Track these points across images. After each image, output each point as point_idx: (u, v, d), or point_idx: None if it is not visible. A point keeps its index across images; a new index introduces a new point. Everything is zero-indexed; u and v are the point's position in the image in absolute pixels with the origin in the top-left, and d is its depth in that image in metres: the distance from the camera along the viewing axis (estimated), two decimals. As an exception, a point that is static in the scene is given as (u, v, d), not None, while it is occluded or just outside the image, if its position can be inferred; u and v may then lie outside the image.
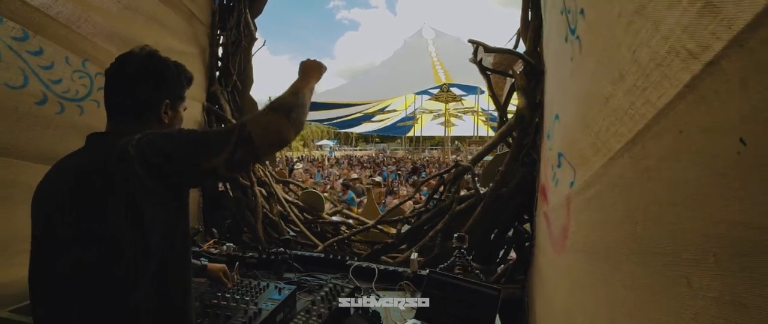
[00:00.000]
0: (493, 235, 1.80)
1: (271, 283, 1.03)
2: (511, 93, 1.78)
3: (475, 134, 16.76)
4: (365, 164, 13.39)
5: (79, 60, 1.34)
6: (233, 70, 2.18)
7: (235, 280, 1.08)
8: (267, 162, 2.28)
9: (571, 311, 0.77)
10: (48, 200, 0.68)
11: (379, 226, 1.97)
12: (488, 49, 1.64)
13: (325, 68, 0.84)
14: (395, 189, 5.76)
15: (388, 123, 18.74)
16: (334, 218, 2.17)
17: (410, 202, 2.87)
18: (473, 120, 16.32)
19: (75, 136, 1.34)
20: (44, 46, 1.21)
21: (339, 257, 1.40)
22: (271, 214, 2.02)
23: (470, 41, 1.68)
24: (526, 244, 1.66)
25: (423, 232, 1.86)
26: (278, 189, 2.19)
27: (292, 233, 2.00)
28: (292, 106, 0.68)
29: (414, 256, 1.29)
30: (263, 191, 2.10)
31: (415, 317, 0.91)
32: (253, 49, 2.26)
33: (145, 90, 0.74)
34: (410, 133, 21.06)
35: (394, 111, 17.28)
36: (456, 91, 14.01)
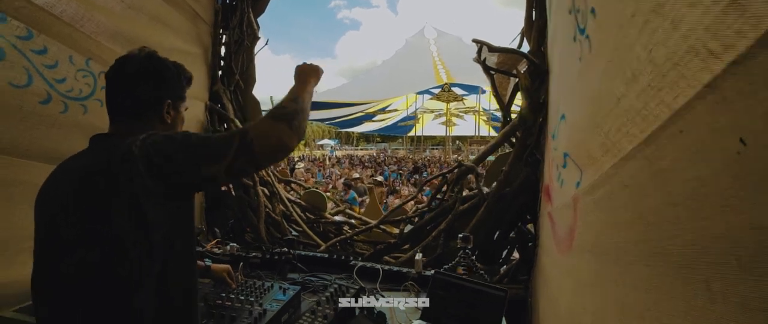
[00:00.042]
0: (496, 236, 1.80)
1: (276, 283, 1.03)
2: (515, 93, 1.77)
3: (477, 134, 16.75)
4: (366, 164, 13.38)
5: (82, 59, 1.34)
6: (236, 69, 2.18)
7: (239, 280, 1.08)
8: (269, 161, 2.28)
9: (577, 311, 0.77)
10: (52, 201, 0.68)
11: (381, 226, 1.97)
12: (492, 49, 1.64)
13: (322, 71, 0.83)
14: (397, 188, 5.75)
15: (390, 122, 18.75)
16: (337, 218, 2.17)
17: (412, 202, 2.87)
18: (474, 120, 16.30)
19: (78, 135, 1.35)
20: (48, 45, 1.21)
21: (342, 257, 1.39)
22: (273, 214, 2.02)
23: (474, 41, 1.67)
24: (530, 244, 1.65)
25: (426, 232, 1.86)
26: (281, 189, 2.18)
27: (294, 233, 2.00)
28: (293, 113, 0.68)
29: (418, 256, 1.29)
30: (266, 191, 2.10)
31: (421, 318, 0.90)
32: (256, 49, 2.26)
33: (146, 91, 0.74)
34: (411, 133, 21.05)
35: (396, 110, 17.28)
36: (457, 90, 14.00)
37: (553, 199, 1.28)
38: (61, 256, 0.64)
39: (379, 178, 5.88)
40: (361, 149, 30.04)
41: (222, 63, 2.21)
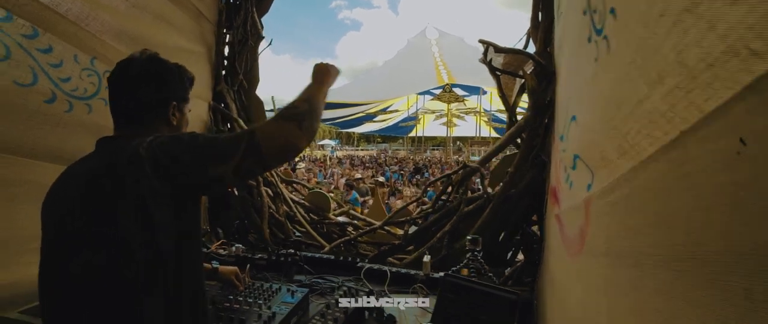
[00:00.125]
0: (501, 237, 1.79)
1: (283, 285, 1.02)
2: (521, 94, 1.76)
3: (477, 135, 16.75)
4: (367, 164, 13.38)
5: (87, 58, 1.33)
6: (239, 69, 2.18)
7: (247, 282, 1.07)
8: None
9: (591, 315, 0.76)
10: (59, 204, 0.67)
11: (385, 227, 1.96)
12: (498, 50, 1.63)
13: (339, 72, 0.83)
14: (399, 189, 5.75)
15: (390, 123, 18.76)
16: (341, 219, 2.16)
17: (415, 203, 2.86)
18: (475, 120, 16.30)
19: (83, 134, 1.34)
20: (54, 43, 1.20)
21: (349, 259, 1.38)
22: (277, 215, 2.01)
23: (481, 41, 1.66)
24: (535, 246, 1.64)
25: (430, 233, 1.85)
26: (284, 189, 2.18)
27: (297, 234, 2.00)
28: (303, 114, 0.66)
29: (426, 258, 1.28)
30: (269, 191, 2.09)
31: (431, 321, 0.89)
32: (259, 48, 2.25)
33: (150, 93, 0.74)
34: (412, 134, 21.06)
35: (397, 111, 17.29)
36: (458, 91, 14.01)
37: (561, 201, 1.27)
38: (69, 257, 0.63)
39: (381, 179, 5.87)
40: (362, 150, 30.03)
41: (225, 62, 2.20)
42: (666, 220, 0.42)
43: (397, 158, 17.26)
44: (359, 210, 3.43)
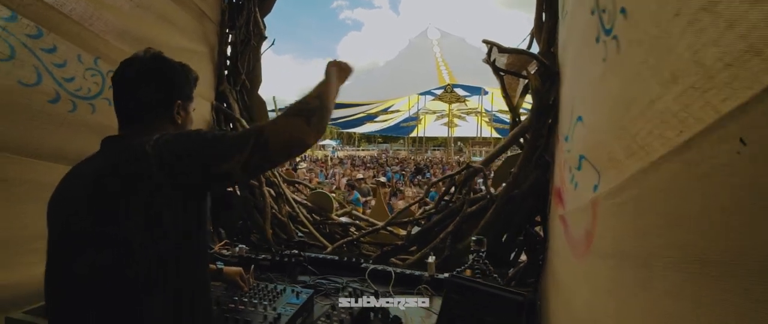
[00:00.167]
0: (504, 238, 1.78)
1: (288, 286, 1.02)
2: (525, 94, 1.76)
3: (479, 135, 16.74)
4: (368, 164, 13.38)
5: (91, 58, 1.33)
6: (242, 68, 2.18)
7: (251, 283, 1.07)
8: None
9: (599, 316, 0.75)
10: (64, 205, 0.67)
11: (388, 228, 1.96)
12: (502, 50, 1.62)
13: (352, 70, 0.82)
14: (401, 189, 5.74)
15: (392, 123, 18.77)
16: (343, 219, 2.15)
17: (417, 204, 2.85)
18: (476, 121, 16.29)
19: (87, 134, 1.34)
20: (58, 43, 1.20)
21: (353, 260, 1.38)
22: (280, 215, 2.01)
23: (485, 42, 1.66)
24: (538, 247, 1.64)
25: (433, 233, 1.84)
26: (286, 189, 2.17)
27: (300, 234, 1.99)
28: (313, 110, 0.66)
29: (431, 259, 1.27)
30: (272, 192, 2.09)
31: (437, 323, 0.89)
32: (262, 48, 2.25)
33: (154, 92, 0.73)
34: (413, 134, 21.06)
35: (398, 111, 17.29)
36: (460, 91, 14.01)
37: (566, 202, 1.26)
38: (74, 257, 0.63)
39: (382, 179, 5.87)
40: (363, 150, 30.03)
41: (228, 62, 2.20)
42: (679, 221, 0.42)
43: (398, 158, 17.25)
44: (361, 210, 3.43)
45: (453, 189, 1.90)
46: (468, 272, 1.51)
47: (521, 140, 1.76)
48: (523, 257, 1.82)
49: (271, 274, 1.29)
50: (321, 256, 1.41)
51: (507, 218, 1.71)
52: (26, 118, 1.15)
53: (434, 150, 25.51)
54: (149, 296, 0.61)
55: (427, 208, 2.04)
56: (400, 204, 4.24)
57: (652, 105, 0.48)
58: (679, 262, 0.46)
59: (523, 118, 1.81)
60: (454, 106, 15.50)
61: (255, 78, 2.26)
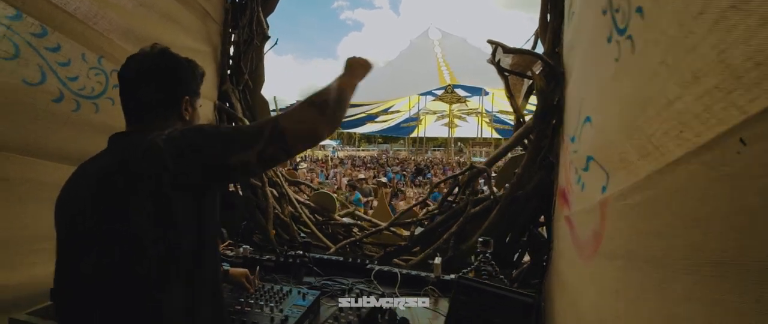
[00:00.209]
0: (507, 239, 1.78)
1: (294, 288, 1.01)
2: (529, 95, 1.76)
3: (479, 136, 16.74)
4: (368, 165, 13.37)
5: (95, 57, 1.33)
6: (245, 68, 2.17)
7: (256, 285, 1.06)
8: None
9: (609, 318, 0.75)
10: (71, 204, 0.66)
11: (391, 228, 1.95)
12: (507, 50, 1.62)
13: (372, 66, 0.82)
14: (402, 189, 5.73)
15: (392, 123, 18.76)
16: (346, 220, 2.15)
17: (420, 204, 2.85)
18: (477, 121, 16.30)
19: (90, 133, 1.33)
20: (62, 42, 1.19)
21: (358, 261, 1.37)
22: (282, 215, 2.01)
23: (489, 42, 1.65)
24: (542, 248, 1.63)
25: (437, 234, 1.84)
26: (289, 190, 2.17)
27: (302, 235, 1.99)
28: (329, 102, 0.66)
29: (437, 260, 1.27)
30: (275, 192, 2.08)
31: (445, 324, 0.89)
32: (265, 48, 2.25)
33: (162, 88, 0.72)
34: (413, 134, 21.05)
35: (398, 111, 17.29)
36: (460, 92, 14.00)
37: (571, 203, 1.26)
38: (82, 256, 0.62)
39: (383, 180, 5.86)
40: (363, 150, 30.01)
41: (230, 62, 2.20)
42: (701, 224, 0.41)
43: (398, 159, 17.25)
44: (362, 211, 3.42)
45: (456, 190, 1.90)
46: (472, 273, 1.50)
47: (525, 141, 1.75)
48: (526, 258, 1.81)
49: (275, 275, 1.28)
50: (325, 257, 1.40)
51: (511, 219, 1.70)
52: (30, 118, 1.14)
53: (434, 150, 25.50)
54: (163, 292, 0.60)
55: (430, 208, 2.04)
56: (402, 205, 4.23)
57: (669, 105, 0.47)
58: (700, 265, 0.45)
59: (526, 118, 1.80)
60: (455, 106, 15.51)
61: (258, 78, 2.26)
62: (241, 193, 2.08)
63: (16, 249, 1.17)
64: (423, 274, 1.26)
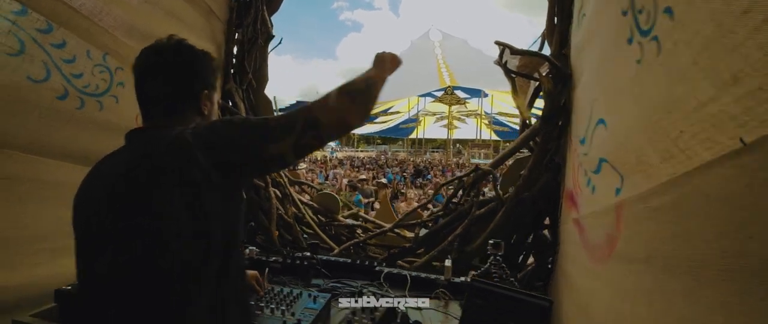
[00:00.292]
0: (512, 241, 1.77)
1: (303, 290, 0.99)
2: (535, 96, 1.75)
3: (478, 137, 16.77)
4: (367, 165, 13.35)
5: (100, 54, 1.31)
6: (248, 67, 2.15)
7: (265, 287, 1.05)
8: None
9: (621, 322, 0.74)
10: (90, 202, 0.64)
11: (395, 230, 1.94)
12: (514, 52, 1.61)
13: (401, 62, 0.81)
14: (402, 191, 5.72)
15: (391, 124, 18.76)
16: (350, 221, 2.13)
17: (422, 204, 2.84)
18: (476, 123, 16.33)
19: (93, 131, 1.31)
20: (67, 38, 1.18)
21: (366, 263, 1.36)
22: (285, 216, 1.99)
23: (497, 43, 1.65)
24: (548, 250, 1.63)
25: (441, 236, 1.83)
26: (292, 190, 2.15)
27: (305, 236, 1.97)
28: (360, 92, 0.66)
29: (448, 263, 1.25)
30: (278, 192, 2.07)
31: (458, 329, 0.87)
32: (269, 47, 2.23)
33: (180, 81, 0.70)
34: (412, 135, 21.06)
35: (398, 112, 17.29)
36: (460, 93, 14.02)
37: (580, 206, 1.25)
38: (100, 254, 0.60)
39: (383, 180, 5.85)
40: (362, 151, 29.98)
41: (234, 61, 2.18)
42: (737, 229, 0.40)
43: (397, 160, 17.24)
44: (363, 211, 3.41)
45: (461, 191, 1.89)
46: (472, 274, 1.49)
47: (531, 143, 1.74)
48: (529, 260, 1.81)
49: (283, 277, 1.26)
50: (333, 258, 1.39)
51: (516, 221, 1.70)
52: (35, 116, 1.12)
53: (433, 152, 25.51)
54: (189, 289, 0.58)
55: (435, 210, 2.03)
56: (403, 206, 4.22)
57: (701, 108, 0.46)
58: (731, 271, 0.44)
59: (531, 120, 1.80)
60: (454, 108, 15.53)
61: (261, 77, 2.24)
62: (244, 194, 2.06)
63: (17, 249, 1.15)
64: (432, 276, 1.25)
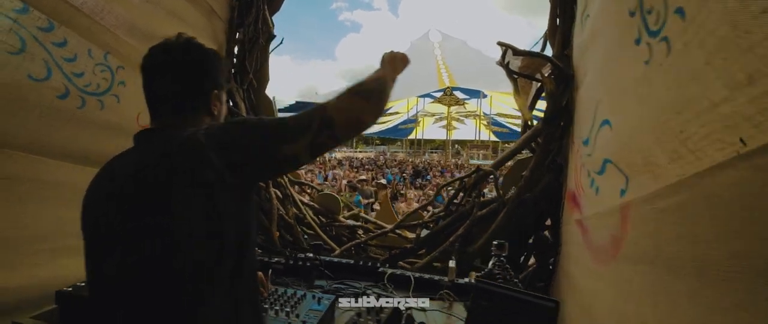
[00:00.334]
0: (514, 242, 1.77)
1: (307, 292, 0.99)
2: (537, 97, 1.75)
3: (477, 138, 16.80)
4: (367, 166, 13.35)
5: (101, 53, 1.30)
6: (249, 67, 2.15)
7: (269, 288, 1.04)
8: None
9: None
10: (99, 204, 0.63)
11: (396, 231, 1.94)
12: (517, 52, 1.61)
13: (409, 61, 0.81)
14: (402, 191, 5.72)
15: (390, 125, 18.76)
16: (351, 222, 2.13)
17: (423, 204, 2.84)
18: (475, 124, 16.36)
19: (94, 131, 1.30)
20: (68, 37, 1.17)
21: (369, 264, 1.35)
22: (287, 217, 1.98)
23: (499, 44, 1.65)
24: (549, 250, 1.63)
25: (442, 237, 1.82)
26: (293, 191, 2.15)
27: (305, 236, 1.96)
28: (372, 91, 0.65)
29: (452, 264, 1.25)
30: (278, 193, 2.06)
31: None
32: (270, 47, 2.23)
33: (190, 81, 0.68)
34: (411, 136, 21.08)
35: (397, 113, 17.29)
36: (459, 94, 14.05)
37: (583, 207, 1.25)
38: (117, 255, 0.58)
39: (383, 181, 5.84)
40: (360, 151, 29.96)
41: (235, 61, 2.17)
42: (752, 230, 0.40)
43: (395, 160, 17.24)
44: (363, 212, 3.40)
45: (462, 192, 1.89)
46: (472, 275, 1.48)
47: (532, 144, 1.75)
48: (530, 261, 1.81)
49: (286, 278, 1.25)
50: (335, 259, 1.38)
51: (518, 222, 1.69)
52: (35, 115, 1.11)
53: (432, 153, 25.52)
54: (203, 287, 0.57)
55: (436, 210, 2.03)
56: (403, 206, 4.22)
57: (714, 108, 0.46)
58: (741, 273, 0.44)
59: (532, 122, 1.80)
60: (453, 108, 15.56)
61: (262, 77, 2.23)
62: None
63: (17, 250, 1.13)
64: (436, 277, 1.24)
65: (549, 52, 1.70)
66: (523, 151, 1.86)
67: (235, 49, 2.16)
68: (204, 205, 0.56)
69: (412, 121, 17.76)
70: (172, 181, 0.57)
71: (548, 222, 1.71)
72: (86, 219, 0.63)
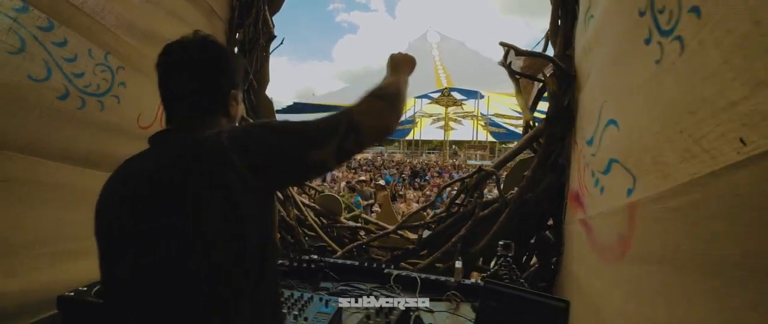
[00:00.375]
0: (517, 242, 1.77)
1: (314, 294, 0.98)
2: (539, 97, 1.76)
3: (474, 139, 16.85)
4: (364, 167, 13.33)
5: (101, 53, 1.28)
6: (250, 68, 2.13)
7: None
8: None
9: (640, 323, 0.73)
10: (115, 204, 0.62)
11: (398, 232, 1.93)
12: (519, 53, 1.62)
13: (415, 62, 0.80)
14: (401, 192, 5.71)
15: (388, 126, 18.76)
16: (352, 223, 2.12)
17: (423, 205, 2.84)
18: (472, 124, 16.41)
19: (94, 132, 1.29)
20: (69, 36, 1.15)
21: (374, 265, 1.34)
22: (287, 218, 1.97)
23: (502, 44, 1.65)
24: (551, 250, 1.63)
25: (444, 237, 1.82)
26: (294, 192, 2.13)
27: (306, 238, 1.95)
28: (394, 95, 0.65)
29: (458, 264, 1.25)
30: (279, 195, 2.05)
31: (474, 331, 0.86)
32: (270, 47, 2.22)
33: (208, 80, 0.66)
34: (409, 137, 21.09)
35: (395, 114, 17.30)
36: (456, 95, 14.09)
37: (587, 206, 1.25)
38: (131, 257, 0.57)
39: (381, 182, 5.84)
40: (358, 152, 29.81)
41: (235, 61, 2.16)
42: (764, 229, 0.40)
43: (393, 161, 17.24)
44: (363, 213, 3.39)
45: (463, 193, 1.89)
46: (474, 275, 1.47)
47: (534, 144, 1.75)
48: (532, 260, 1.81)
49: (290, 280, 1.24)
50: (340, 261, 1.37)
51: (520, 222, 1.70)
52: (35, 116, 1.09)
53: (429, 153, 25.56)
54: (222, 290, 0.56)
55: (437, 211, 2.02)
56: (402, 207, 4.21)
57: (731, 107, 0.46)
58: (755, 272, 0.44)
59: (533, 122, 1.80)
60: (451, 109, 15.60)
61: (262, 78, 2.22)
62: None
63: (16, 253, 1.11)
64: (442, 278, 1.24)
65: (550, 52, 1.71)
66: (525, 151, 1.87)
67: (236, 50, 2.14)
68: (222, 207, 0.55)
69: (410, 122, 17.77)
70: (187, 182, 0.56)
71: (550, 222, 1.71)
72: (99, 223, 0.62)
